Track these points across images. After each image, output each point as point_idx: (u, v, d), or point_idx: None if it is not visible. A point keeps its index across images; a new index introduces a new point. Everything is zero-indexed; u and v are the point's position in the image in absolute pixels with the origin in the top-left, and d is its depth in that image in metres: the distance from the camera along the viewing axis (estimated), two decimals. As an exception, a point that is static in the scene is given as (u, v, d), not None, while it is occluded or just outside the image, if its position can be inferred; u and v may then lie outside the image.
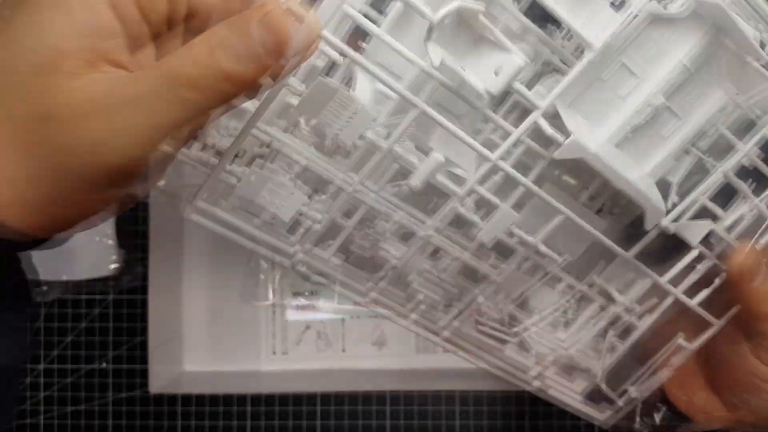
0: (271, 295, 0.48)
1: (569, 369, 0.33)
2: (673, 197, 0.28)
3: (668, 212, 0.28)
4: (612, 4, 0.24)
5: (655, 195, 0.27)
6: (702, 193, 0.28)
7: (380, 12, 0.28)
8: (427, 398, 0.48)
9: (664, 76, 0.26)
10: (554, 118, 0.25)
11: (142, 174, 0.21)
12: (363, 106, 0.24)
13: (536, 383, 0.33)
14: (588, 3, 0.24)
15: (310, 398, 0.47)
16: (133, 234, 0.47)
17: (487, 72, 0.23)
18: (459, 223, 0.28)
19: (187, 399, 0.47)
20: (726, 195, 0.29)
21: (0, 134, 0.20)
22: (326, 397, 0.47)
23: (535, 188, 0.27)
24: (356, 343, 0.48)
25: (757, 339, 0.31)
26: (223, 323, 0.48)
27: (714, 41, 0.25)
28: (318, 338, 0.48)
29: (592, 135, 0.26)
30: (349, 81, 0.27)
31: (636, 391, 0.33)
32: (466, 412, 0.48)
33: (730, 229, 0.29)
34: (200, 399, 0.47)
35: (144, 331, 0.46)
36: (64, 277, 0.46)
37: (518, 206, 0.28)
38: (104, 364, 0.48)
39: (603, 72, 0.26)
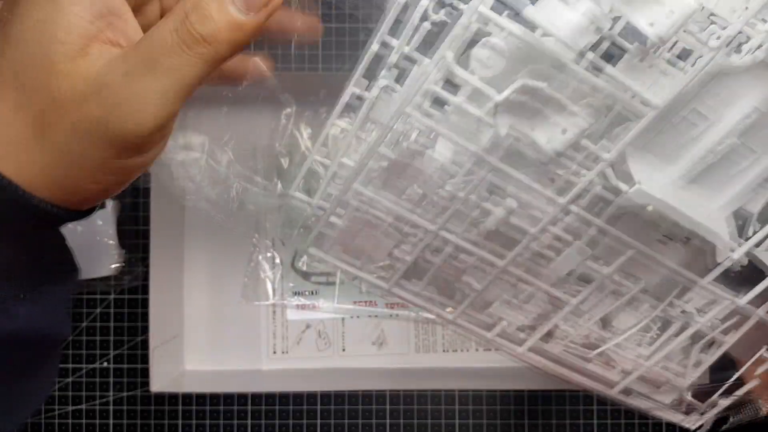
0: (271, 295, 0.48)
1: (655, 382, 0.34)
2: (755, 226, 0.28)
3: (748, 239, 0.28)
4: (677, 56, 0.25)
5: (724, 230, 0.27)
6: None
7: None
8: (427, 397, 0.48)
9: (736, 119, 0.26)
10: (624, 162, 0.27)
11: (166, 136, 0.24)
12: (442, 164, 0.27)
13: (620, 395, 0.33)
14: (649, 64, 0.25)
15: (311, 397, 0.48)
16: (134, 234, 0.48)
17: (553, 132, 0.25)
18: (536, 257, 0.30)
19: (187, 398, 0.48)
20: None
21: (21, 122, 0.22)
22: (326, 396, 0.48)
23: (605, 226, 0.28)
24: (356, 343, 0.49)
25: None
26: (224, 323, 0.48)
27: None
28: (318, 337, 0.49)
29: (663, 174, 0.27)
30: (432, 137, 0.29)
31: (724, 402, 0.33)
32: (465, 411, 0.48)
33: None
34: (201, 398, 0.48)
35: (145, 330, 0.46)
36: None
37: (594, 242, 0.29)
38: (105, 364, 0.48)
39: (673, 117, 0.26)
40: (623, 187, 0.26)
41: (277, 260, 0.48)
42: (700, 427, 0.34)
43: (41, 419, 0.47)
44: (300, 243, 0.30)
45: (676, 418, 0.34)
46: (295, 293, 0.48)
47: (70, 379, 0.48)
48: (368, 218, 0.29)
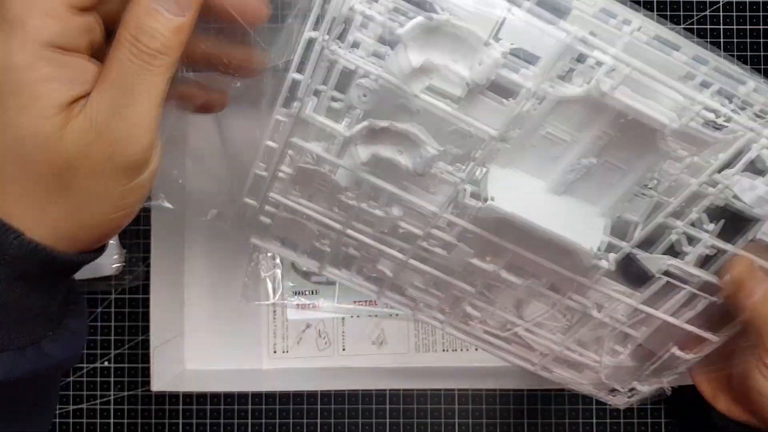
0: (271, 294, 0.49)
1: (575, 366, 0.37)
2: (638, 234, 0.31)
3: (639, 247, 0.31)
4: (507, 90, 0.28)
5: (596, 237, 0.30)
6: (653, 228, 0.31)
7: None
8: (427, 397, 0.48)
9: (590, 140, 0.29)
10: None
11: (154, 156, 0.25)
12: (335, 179, 0.32)
13: (543, 372, 0.37)
14: (481, 101, 0.28)
15: (311, 397, 0.48)
16: (135, 234, 0.48)
17: (414, 156, 0.29)
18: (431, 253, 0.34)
19: (188, 397, 0.48)
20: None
21: (26, 192, 0.24)
22: (326, 396, 0.48)
23: (478, 230, 0.32)
24: (356, 342, 0.49)
25: (759, 353, 0.31)
26: (224, 322, 0.49)
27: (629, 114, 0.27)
28: (318, 337, 0.49)
29: (531, 188, 0.31)
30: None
31: (642, 386, 0.36)
32: (465, 411, 0.48)
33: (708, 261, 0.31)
34: (201, 397, 0.48)
35: (145, 329, 0.46)
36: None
37: (487, 243, 0.32)
38: (106, 363, 0.48)
39: (531, 140, 0.29)
40: (474, 203, 0.30)
41: (278, 260, 0.49)
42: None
43: (42, 418, 0.47)
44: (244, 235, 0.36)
45: (601, 395, 0.38)
46: (296, 293, 0.49)
47: (71, 379, 0.48)
48: (292, 217, 0.35)
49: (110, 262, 0.47)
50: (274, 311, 0.49)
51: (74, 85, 0.23)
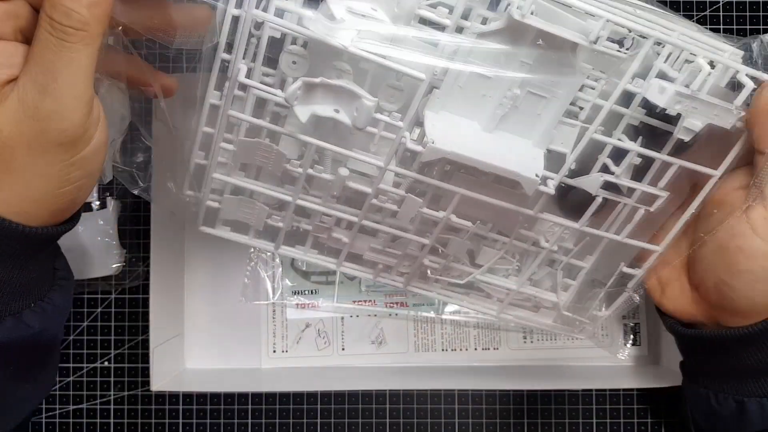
0: (271, 294, 0.49)
1: (532, 306, 0.40)
2: (570, 159, 0.32)
3: (572, 176, 0.33)
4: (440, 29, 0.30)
5: (536, 167, 0.31)
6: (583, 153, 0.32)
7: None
8: (427, 396, 0.48)
9: (512, 74, 0.31)
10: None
11: (98, 119, 0.26)
12: (276, 148, 0.33)
13: (504, 316, 0.40)
14: (404, 47, 0.30)
15: (310, 396, 0.48)
16: (135, 233, 0.48)
17: (351, 112, 0.30)
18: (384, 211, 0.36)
19: (188, 397, 0.48)
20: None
21: None
22: (326, 396, 0.48)
23: (424, 178, 0.33)
24: (356, 342, 0.49)
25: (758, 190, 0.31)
26: (224, 322, 0.49)
27: (544, 40, 0.29)
28: (318, 336, 0.49)
29: (466, 128, 0.32)
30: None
31: (602, 313, 0.38)
32: (465, 411, 0.48)
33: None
34: (201, 397, 0.48)
35: (145, 329, 0.46)
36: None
37: (435, 194, 0.34)
38: (106, 363, 0.48)
39: (459, 81, 0.31)
40: (418, 147, 0.31)
41: (277, 260, 0.49)
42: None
43: (42, 419, 0.47)
44: (193, 224, 0.37)
45: (564, 330, 0.40)
46: (295, 292, 0.49)
47: (71, 379, 0.48)
48: (239, 197, 0.35)
49: (110, 262, 0.47)
50: (274, 311, 0.49)
51: (2, 69, 0.25)
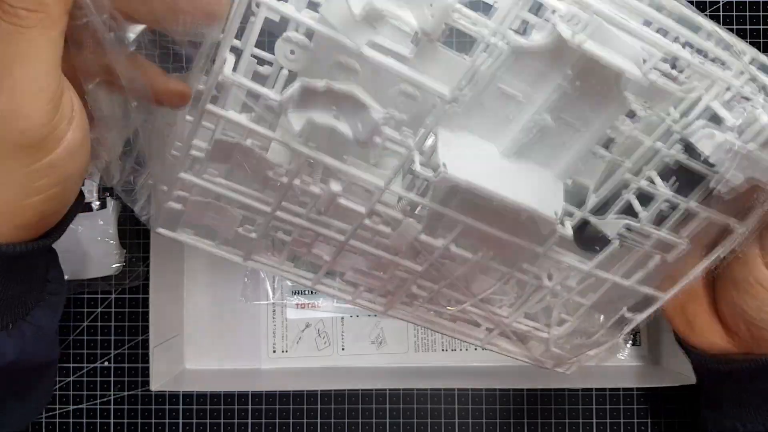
0: (271, 294, 0.49)
1: (522, 338, 0.37)
2: (593, 199, 0.29)
3: (594, 212, 0.30)
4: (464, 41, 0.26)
5: (556, 203, 0.28)
6: (610, 193, 0.29)
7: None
8: (426, 396, 0.48)
9: (543, 96, 0.26)
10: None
11: (65, 131, 0.22)
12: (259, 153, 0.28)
13: (488, 345, 0.37)
14: (432, 58, 0.25)
15: (310, 396, 0.48)
16: (135, 233, 0.48)
17: (354, 122, 0.25)
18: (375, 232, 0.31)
19: (188, 397, 0.48)
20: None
21: None
22: (326, 395, 0.48)
23: (433, 204, 0.29)
24: (356, 342, 0.49)
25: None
26: (224, 322, 0.49)
27: (588, 64, 0.25)
28: (318, 336, 0.49)
29: (484, 151, 0.28)
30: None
31: (594, 354, 0.36)
32: (465, 411, 0.48)
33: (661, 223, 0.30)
34: (201, 397, 0.48)
35: (145, 329, 0.46)
36: (67, 277, 0.47)
37: (435, 218, 0.30)
38: (106, 363, 0.48)
39: (482, 99, 0.27)
40: (427, 173, 0.27)
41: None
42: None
43: (42, 419, 0.47)
44: (153, 224, 0.32)
45: (548, 365, 0.37)
46: (295, 292, 0.49)
47: (70, 379, 0.48)
48: (208, 201, 0.30)
49: (110, 262, 0.47)
50: (274, 311, 0.49)
51: None
